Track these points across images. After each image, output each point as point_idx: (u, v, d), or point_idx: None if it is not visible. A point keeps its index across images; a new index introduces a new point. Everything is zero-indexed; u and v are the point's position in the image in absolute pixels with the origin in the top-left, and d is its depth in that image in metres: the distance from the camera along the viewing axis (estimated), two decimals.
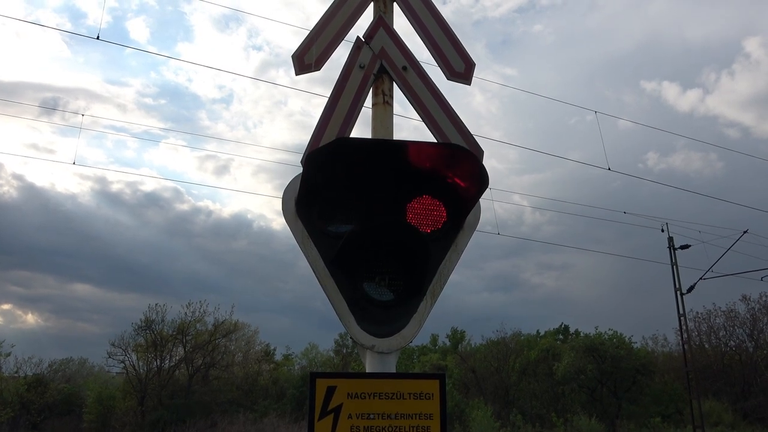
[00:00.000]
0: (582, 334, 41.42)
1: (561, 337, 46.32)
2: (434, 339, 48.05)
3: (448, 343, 46.54)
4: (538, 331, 46.58)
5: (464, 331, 46.50)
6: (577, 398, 34.70)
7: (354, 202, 2.72)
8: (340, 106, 2.95)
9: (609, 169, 15.57)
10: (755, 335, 37.48)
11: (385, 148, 2.54)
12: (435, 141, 2.99)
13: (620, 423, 31.28)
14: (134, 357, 34.98)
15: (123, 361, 35.06)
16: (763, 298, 37.61)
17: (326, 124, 2.93)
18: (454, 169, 2.57)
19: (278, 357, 45.85)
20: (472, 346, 44.23)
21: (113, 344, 34.65)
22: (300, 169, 2.68)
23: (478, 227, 2.90)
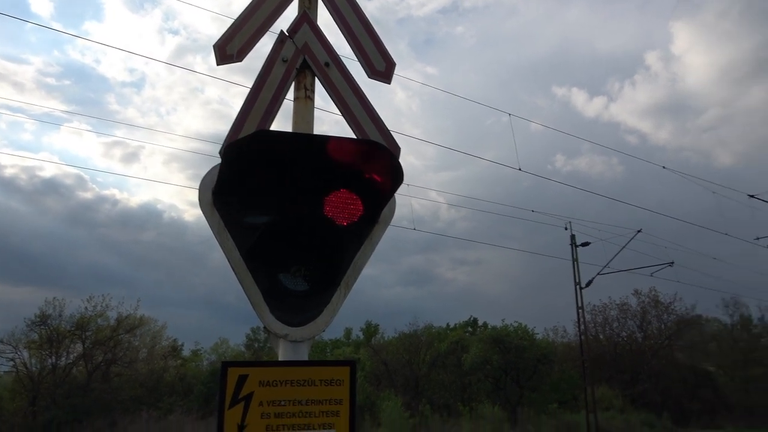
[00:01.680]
0: (489, 327, 43.25)
1: (470, 329, 48.06)
2: (348, 332, 48.38)
3: (361, 337, 46.97)
4: (448, 324, 48.08)
5: (378, 325, 47.13)
6: (483, 387, 36.20)
7: (272, 195, 2.75)
8: (261, 99, 2.96)
9: (520, 169, 16.37)
10: (644, 327, 40.77)
11: (305, 142, 2.60)
12: (354, 137, 3.08)
13: (521, 410, 33.00)
14: (26, 354, 32.50)
15: (12, 359, 32.46)
16: (652, 293, 41.05)
17: (246, 116, 2.94)
18: (371, 164, 2.67)
19: (186, 353, 44.33)
20: (385, 339, 44.91)
21: (2, 341, 31.96)
22: (218, 160, 2.68)
23: (395, 222, 3.03)
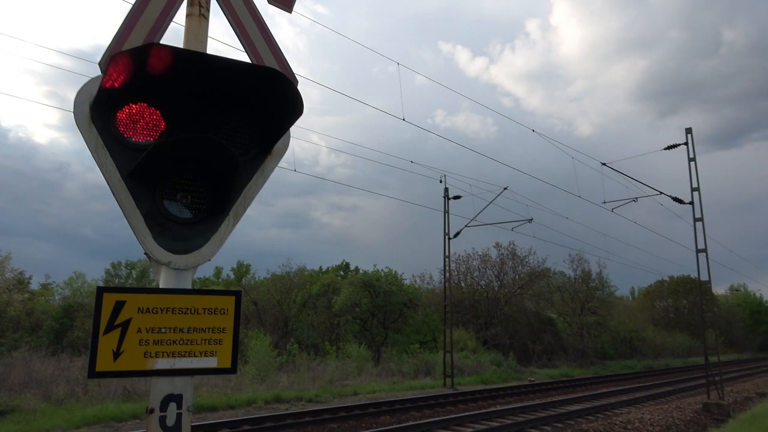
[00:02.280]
0: (361, 271, 44.56)
1: (342, 273, 49.11)
2: (218, 272, 47.20)
3: (232, 276, 46.15)
4: (321, 267, 48.74)
5: (249, 265, 46.56)
6: (351, 329, 37.58)
7: (159, 114, 2.59)
8: (150, 11, 2.71)
9: (404, 119, 16.56)
10: (501, 276, 44.35)
11: (200, 61, 2.45)
12: (250, 62, 2.95)
13: (385, 350, 34.83)
14: None
15: None
16: (511, 246, 44.62)
17: (131, 29, 2.69)
18: (268, 92, 2.59)
19: (35, 286, 40.71)
20: (257, 279, 44.59)
21: None
22: (83, 79, 2.45)
23: None
